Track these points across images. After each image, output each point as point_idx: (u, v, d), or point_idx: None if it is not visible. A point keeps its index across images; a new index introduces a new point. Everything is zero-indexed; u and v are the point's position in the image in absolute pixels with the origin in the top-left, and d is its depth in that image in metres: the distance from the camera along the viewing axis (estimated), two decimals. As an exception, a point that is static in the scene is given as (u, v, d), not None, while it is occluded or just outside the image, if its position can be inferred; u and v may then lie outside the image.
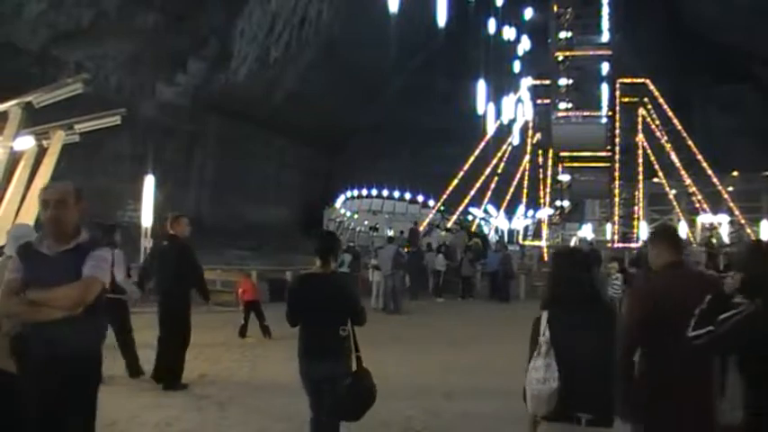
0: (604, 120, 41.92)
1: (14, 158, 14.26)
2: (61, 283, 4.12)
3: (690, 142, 40.26)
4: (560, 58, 42.68)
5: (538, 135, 44.46)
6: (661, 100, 41.67)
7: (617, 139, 42.29)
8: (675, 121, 41.12)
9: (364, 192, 55.43)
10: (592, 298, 4.29)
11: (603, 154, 42.78)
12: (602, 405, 4.05)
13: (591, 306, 4.25)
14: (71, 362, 4.16)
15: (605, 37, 42.79)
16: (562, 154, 43.88)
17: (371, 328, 6.81)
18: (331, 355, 5.78)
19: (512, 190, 44.47)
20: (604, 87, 42.77)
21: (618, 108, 42.58)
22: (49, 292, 4.08)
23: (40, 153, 14.61)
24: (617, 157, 42.20)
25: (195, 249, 10.41)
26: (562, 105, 42.61)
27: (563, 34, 42.77)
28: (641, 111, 42.27)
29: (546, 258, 37.23)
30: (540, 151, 44.53)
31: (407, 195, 54.48)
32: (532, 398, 4.12)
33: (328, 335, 5.81)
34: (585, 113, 42.23)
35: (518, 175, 44.38)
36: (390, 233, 41.14)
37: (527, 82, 43.99)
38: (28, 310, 4.11)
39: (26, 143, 14.28)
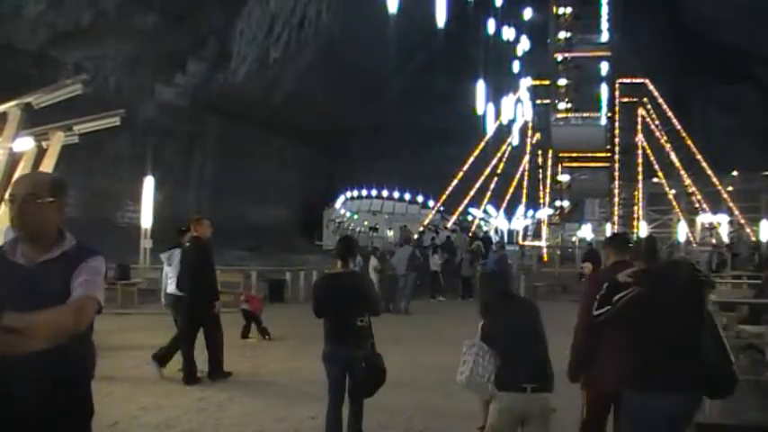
0: (603, 121, 41.91)
1: (14, 159, 14.25)
2: (44, 304, 3.11)
3: (689, 142, 40.27)
4: (559, 59, 42.68)
5: (537, 135, 44.47)
6: (660, 100, 41.68)
7: (616, 139, 42.29)
8: (675, 120, 41.13)
9: (364, 192, 55.43)
10: (507, 297, 5.68)
11: (603, 154, 42.79)
12: (541, 376, 5.13)
13: (511, 304, 5.64)
14: (58, 400, 3.35)
15: (605, 37, 42.80)
16: (561, 154, 43.89)
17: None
18: (350, 341, 6.68)
19: (511, 190, 44.49)
20: (604, 87, 42.77)
21: (617, 108, 42.58)
22: (31, 318, 3.01)
23: (40, 154, 14.60)
24: (616, 157, 42.20)
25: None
26: (561, 106, 42.60)
27: (562, 34, 42.77)
28: (641, 111, 42.29)
29: (546, 259, 37.27)
30: (540, 151, 44.54)
31: (407, 196, 54.50)
32: (477, 389, 5.39)
33: (348, 324, 6.69)
34: (585, 115, 42.22)
35: (517, 176, 44.39)
36: (390, 233, 41.16)
37: (526, 82, 44.00)
38: (4, 340, 2.97)
39: (25, 144, 14.26)
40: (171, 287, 10.94)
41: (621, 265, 5.23)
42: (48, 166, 14.55)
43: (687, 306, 4.60)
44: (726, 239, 37.70)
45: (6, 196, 3.67)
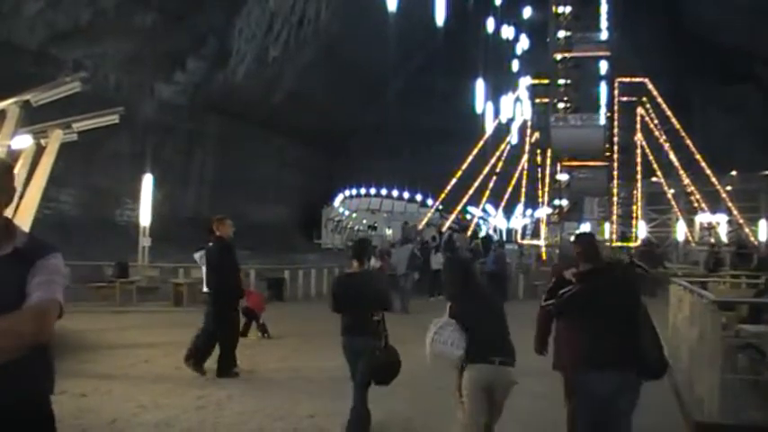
0: (603, 121, 41.87)
1: (12, 157, 14.22)
2: None
3: (688, 142, 40.26)
4: (559, 58, 42.67)
5: (536, 134, 44.45)
6: (660, 99, 41.65)
7: (615, 138, 42.27)
8: (674, 120, 41.12)
9: (363, 191, 55.50)
10: (468, 283, 6.32)
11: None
12: (507, 351, 5.93)
13: (476, 290, 6.41)
14: (13, 422, 2.83)
15: (604, 36, 42.76)
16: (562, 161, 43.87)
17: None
18: (366, 333, 7.24)
19: (510, 189, 44.47)
20: (603, 86, 42.75)
21: (617, 107, 42.56)
22: None
23: (38, 152, 14.57)
24: (616, 156, 42.18)
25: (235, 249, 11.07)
26: (561, 105, 42.58)
27: (562, 33, 42.75)
28: (640, 110, 42.25)
29: (545, 257, 37.24)
30: (539, 150, 44.53)
31: (406, 194, 54.55)
32: (440, 354, 5.95)
33: (364, 318, 7.27)
34: (584, 116, 42.18)
35: (516, 175, 44.38)
36: (389, 232, 41.20)
37: (526, 81, 43.98)
38: None
39: (24, 142, 14.22)
40: (206, 287, 11.26)
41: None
42: (46, 163, 14.53)
43: (622, 300, 5.45)
44: (725, 239, 37.73)
45: None
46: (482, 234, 36.39)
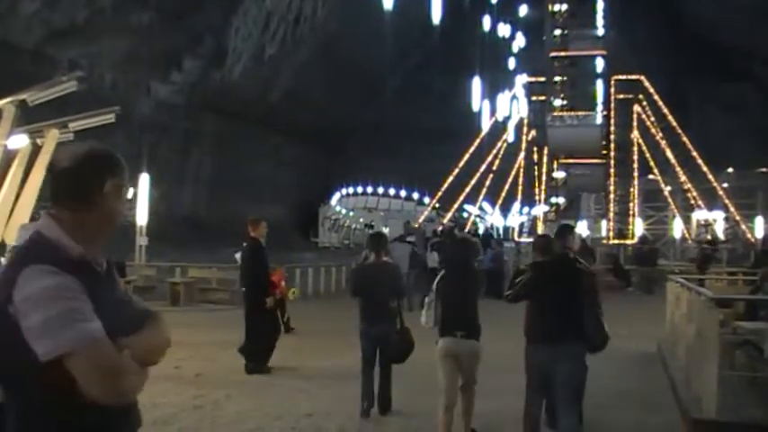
0: (599, 120, 41.86)
1: (9, 157, 14.21)
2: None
3: (685, 139, 40.28)
4: (554, 57, 42.67)
5: (533, 132, 44.45)
6: (656, 97, 41.66)
7: (612, 136, 42.28)
8: (670, 117, 41.13)
9: (360, 189, 55.46)
10: (455, 270, 7.41)
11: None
12: (470, 326, 7.04)
13: (457, 276, 7.33)
14: None
15: (600, 33, 42.74)
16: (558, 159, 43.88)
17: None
18: (383, 319, 8.22)
19: (507, 187, 44.47)
20: (599, 84, 42.74)
21: (613, 105, 42.56)
22: (147, 339, 2.26)
23: (35, 151, 14.56)
24: (612, 153, 42.19)
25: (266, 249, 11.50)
26: (557, 102, 42.57)
27: (558, 31, 42.73)
28: (636, 107, 42.26)
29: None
30: (536, 148, 44.53)
31: (403, 193, 54.53)
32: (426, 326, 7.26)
33: (381, 307, 8.25)
34: (581, 113, 42.16)
35: (513, 172, 44.38)
36: (386, 230, 41.07)
37: (522, 79, 43.95)
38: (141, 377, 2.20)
39: (20, 141, 14.22)
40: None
41: (582, 252, 8.42)
42: (43, 163, 14.51)
43: (562, 285, 6.48)
44: (721, 236, 37.76)
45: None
46: (480, 231, 36.32)
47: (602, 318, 6.56)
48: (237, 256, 12.30)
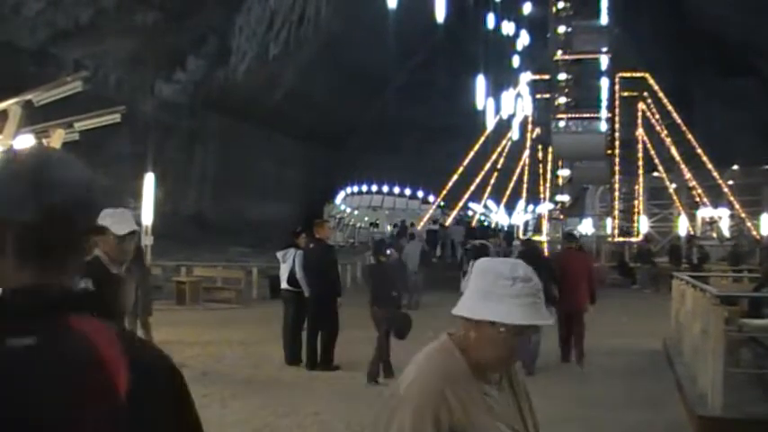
0: (603, 128, 41.85)
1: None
2: None
3: (690, 136, 40.21)
4: (559, 53, 42.65)
5: (537, 130, 44.44)
6: (661, 94, 41.61)
7: (617, 134, 42.24)
8: (675, 114, 41.07)
9: (364, 188, 55.48)
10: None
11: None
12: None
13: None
14: None
15: (604, 31, 42.70)
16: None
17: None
18: (387, 305, 10.35)
19: (512, 185, 44.47)
20: (604, 81, 42.69)
21: (618, 102, 42.53)
22: None
23: (41, 152, 14.59)
24: (617, 152, 42.15)
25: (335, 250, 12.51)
26: (562, 100, 42.54)
27: (562, 29, 42.70)
28: (641, 105, 42.21)
29: (548, 254, 37.23)
30: (540, 146, 44.53)
31: (407, 191, 54.53)
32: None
33: (386, 295, 10.43)
34: (585, 117, 42.11)
35: (518, 170, 44.38)
36: (390, 229, 41.13)
37: (526, 77, 43.93)
38: None
39: (26, 142, 14.26)
40: (284, 283, 11.88)
41: (568, 250, 13.19)
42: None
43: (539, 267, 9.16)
44: (727, 233, 37.71)
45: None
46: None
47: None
48: (279, 255, 12.21)
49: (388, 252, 11.89)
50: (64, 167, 1.35)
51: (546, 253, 19.93)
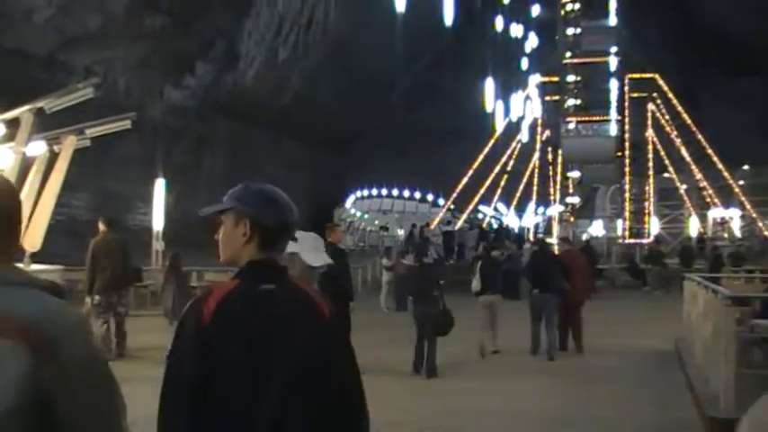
0: (613, 132, 41.79)
1: (27, 164, 14.33)
2: None
3: (700, 136, 40.10)
4: (568, 55, 42.63)
5: (547, 132, 44.40)
6: (670, 95, 41.52)
7: (627, 135, 42.16)
8: (685, 115, 40.96)
9: (374, 192, 55.46)
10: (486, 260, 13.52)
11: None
12: (495, 289, 13.01)
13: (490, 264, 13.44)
14: None
15: (612, 32, 42.67)
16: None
17: (385, 327, 6.89)
18: (427, 303, 11.19)
19: (521, 187, 44.43)
20: (613, 83, 42.64)
21: (627, 104, 42.47)
22: None
23: (52, 158, 14.67)
24: (627, 153, 42.07)
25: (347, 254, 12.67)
26: (571, 102, 42.51)
27: (570, 31, 42.68)
28: (650, 106, 42.12)
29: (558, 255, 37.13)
30: (549, 148, 44.49)
31: (417, 194, 54.50)
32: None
33: (426, 293, 11.33)
34: (595, 120, 42.06)
35: (528, 173, 44.35)
36: (400, 232, 41.18)
37: (535, 79, 43.93)
38: None
39: (38, 148, 14.33)
40: None
41: (568, 252, 15.05)
42: (60, 169, 14.64)
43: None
44: (738, 234, 37.60)
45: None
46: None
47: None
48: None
49: (428, 253, 12.59)
50: (286, 198, 2.66)
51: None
